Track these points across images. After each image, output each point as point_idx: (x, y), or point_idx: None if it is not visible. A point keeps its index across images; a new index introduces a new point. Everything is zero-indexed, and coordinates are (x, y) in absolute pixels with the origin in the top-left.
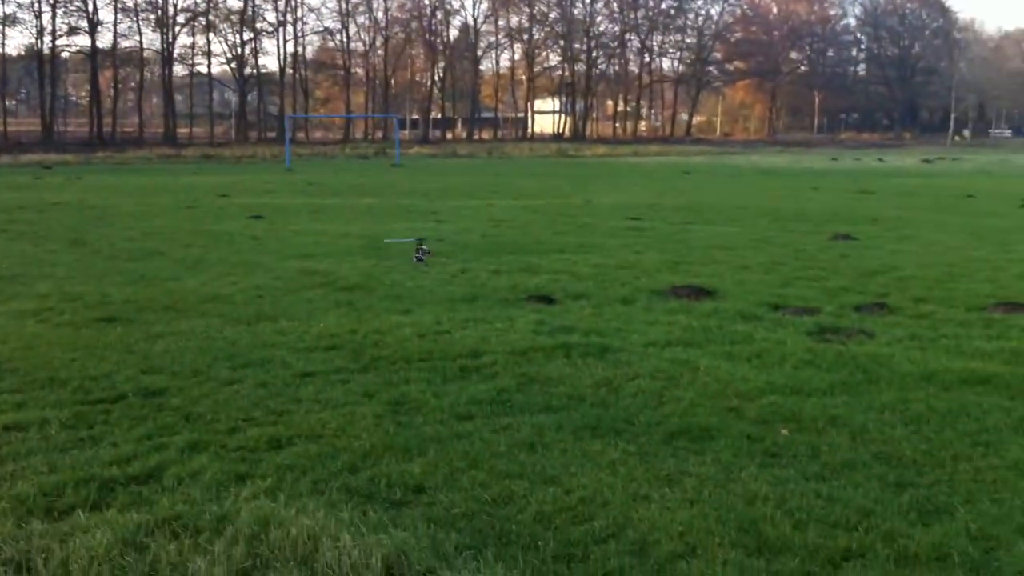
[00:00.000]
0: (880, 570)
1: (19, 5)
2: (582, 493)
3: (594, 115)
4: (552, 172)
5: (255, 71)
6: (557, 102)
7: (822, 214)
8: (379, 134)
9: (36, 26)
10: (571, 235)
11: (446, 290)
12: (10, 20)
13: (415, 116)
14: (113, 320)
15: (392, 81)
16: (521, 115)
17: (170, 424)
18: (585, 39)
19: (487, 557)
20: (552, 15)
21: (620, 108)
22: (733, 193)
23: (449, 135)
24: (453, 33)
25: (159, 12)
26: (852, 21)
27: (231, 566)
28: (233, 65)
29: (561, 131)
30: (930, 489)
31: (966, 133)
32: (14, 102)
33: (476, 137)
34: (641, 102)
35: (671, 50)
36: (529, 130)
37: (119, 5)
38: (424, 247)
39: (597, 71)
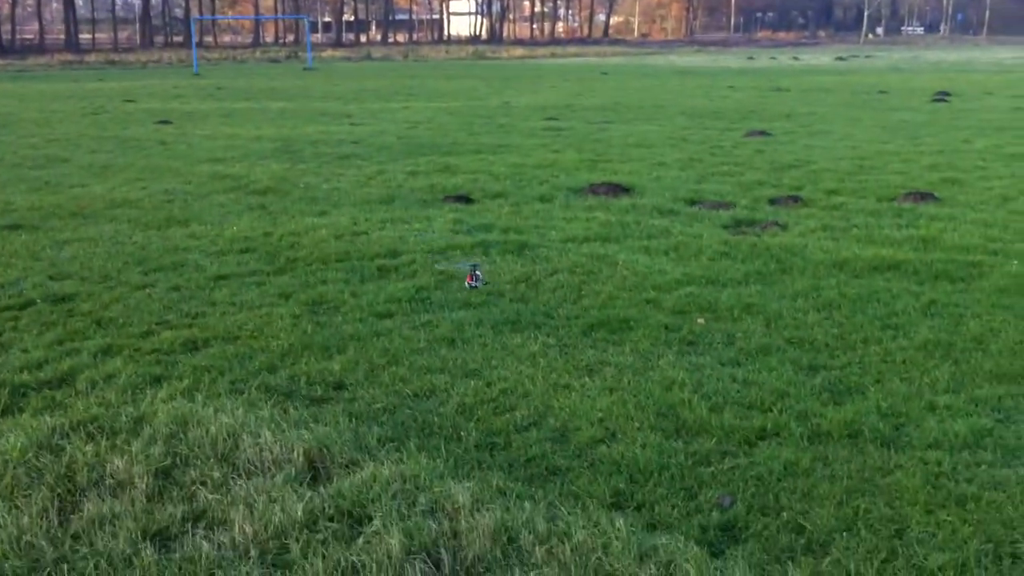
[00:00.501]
0: (794, 447)
1: None
2: (503, 385)
3: (511, 16)
4: (469, 74)
5: None
6: (473, 3)
7: (738, 111)
8: (290, 37)
9: None
10: (489, 136)
11: (362, 192)
12: None
13: (327, 19)
14: (18, 227)
15: None
16: (437, 17)
17: (81, 329)
18: None
19: (410, 448)
20: None
21: (537, 9)
22: (650, 93)
23: (363, 38)
24: None
25: None
26: None
27: (150, 465)
28: None
29: (478, 33)
30: (842, 371)
31: (879, 31)
32: None
33: (391, 40)
34: (558, 3)
35: None
36: (445, 32)
37: None
38: (478, 272)
39: None
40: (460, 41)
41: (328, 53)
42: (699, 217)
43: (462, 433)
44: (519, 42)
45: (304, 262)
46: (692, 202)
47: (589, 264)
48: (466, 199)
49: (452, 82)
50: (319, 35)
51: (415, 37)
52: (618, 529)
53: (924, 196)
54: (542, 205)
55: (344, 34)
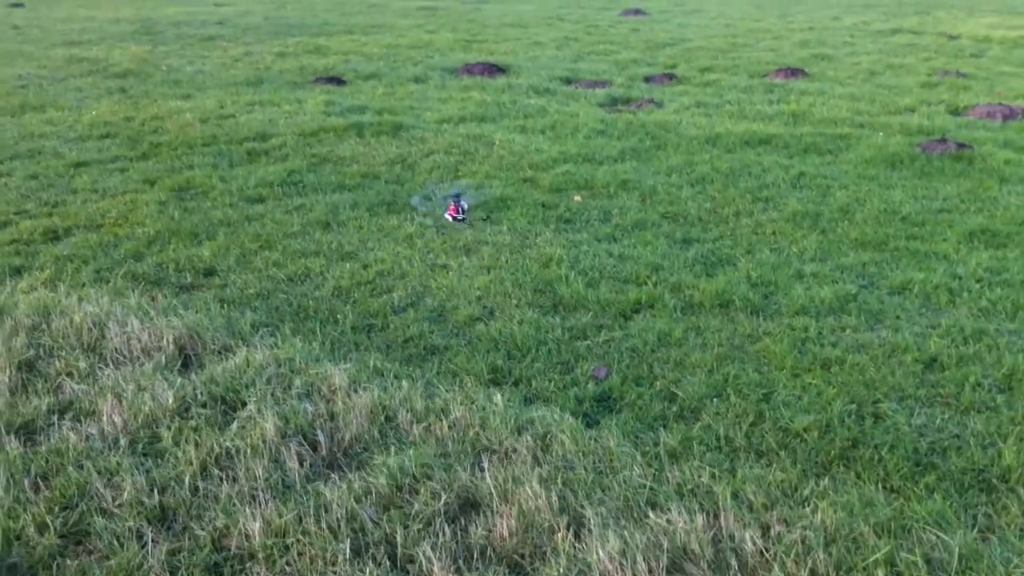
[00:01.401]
0: (668, 319)
1: None
2: (380, 267)
3: None
4: None
5: None
6: None
7: None
8: None
9: None
10: (360, 16)
11: (228, 74)
12: None
13: None
14: None
15: None
16: None
17: None
18: None
19: (284, 332)
20: None
21: None
22: None
23: None
24: None
25: None
26: None
27: (12, 357)
28: None
29: None
30: (714, 244)
31: None
32: None
33: None
34: None
35: None
36: None
37: None
38: (462, 200)
39: None
40: None
41: None
42: (575, 96)
43: (338, 316)
44: None
45: (169, 147)
46: (568, 81)
47: (465, 144)
48: (338, 80)
49: None
50: None
51: None
52: (495, 404)
53: (794, 72)
54: (417, 86)
55: None
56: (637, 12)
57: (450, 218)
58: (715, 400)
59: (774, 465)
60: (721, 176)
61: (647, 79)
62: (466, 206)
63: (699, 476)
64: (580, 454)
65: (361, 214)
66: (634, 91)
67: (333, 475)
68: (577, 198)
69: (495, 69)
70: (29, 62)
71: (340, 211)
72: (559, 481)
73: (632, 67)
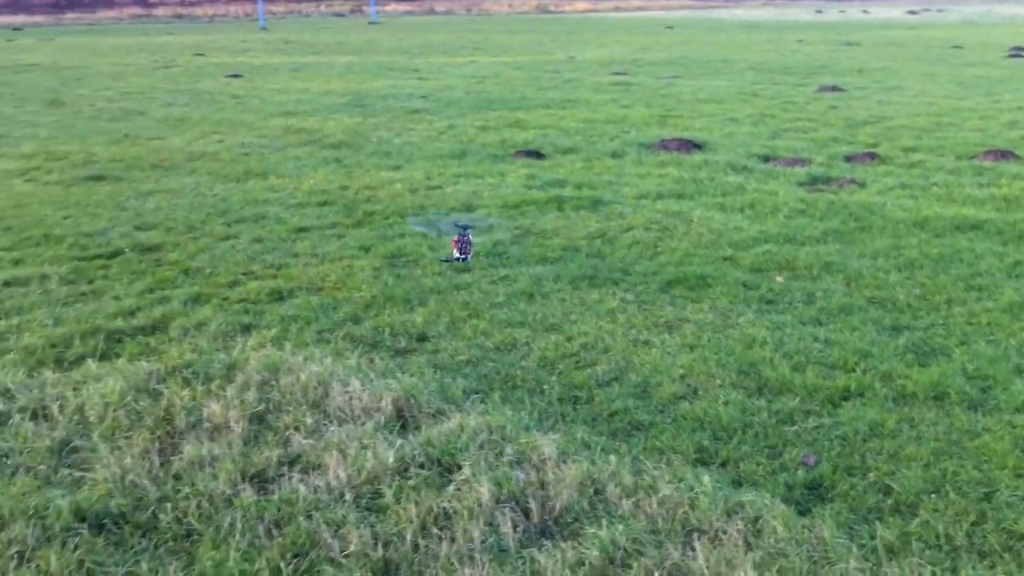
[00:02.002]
0: (879, 408)
1: None
2: (583, 340)
3: None
4: (533, 28)
5: None
6: None
7: (808, 66)
8: None
9: None
10: (556, 91)
11: (434, 147)
12: None
13: None
14: (101, 178)
15: None
16: None
17: (170, 278)
18: None
19: (494, 399)
20: None
21: None
22: (717, 47)
23: None
24: None
25: None
26: None
27: (244, 410)
28: None
29: None
30: (925, 332)
31: None
32: None
33: None
34: None
35: None
36: None
37: None
38: (467, 233)
39: None
40: None
41: (391, 7)
42: (774, 174)
43: (544, 386)
44: None
45: (381, 215)
46: (766, 158)
47: (664, 220)
48: (537, 154)
49: (516, 36)
50: None
51: None
52: (704, 484)
53: (1005, 154)
54: (614, 161)
55: None
56: (834, 88)
57: (447, 258)
58: (933, 496)
59: (998, 568)
60: (930, 262)
61: (848, 158)
62: (470, 243)
63: (919, 574)
64: (793, 542)
65: (564, 287)
66: (834, 170)
67: (546, 542)
68: (779, 279)
69: (691, 145)
70: (250, 131)
71: (543, 283)
72: (774, 570)
73: (831, 145)
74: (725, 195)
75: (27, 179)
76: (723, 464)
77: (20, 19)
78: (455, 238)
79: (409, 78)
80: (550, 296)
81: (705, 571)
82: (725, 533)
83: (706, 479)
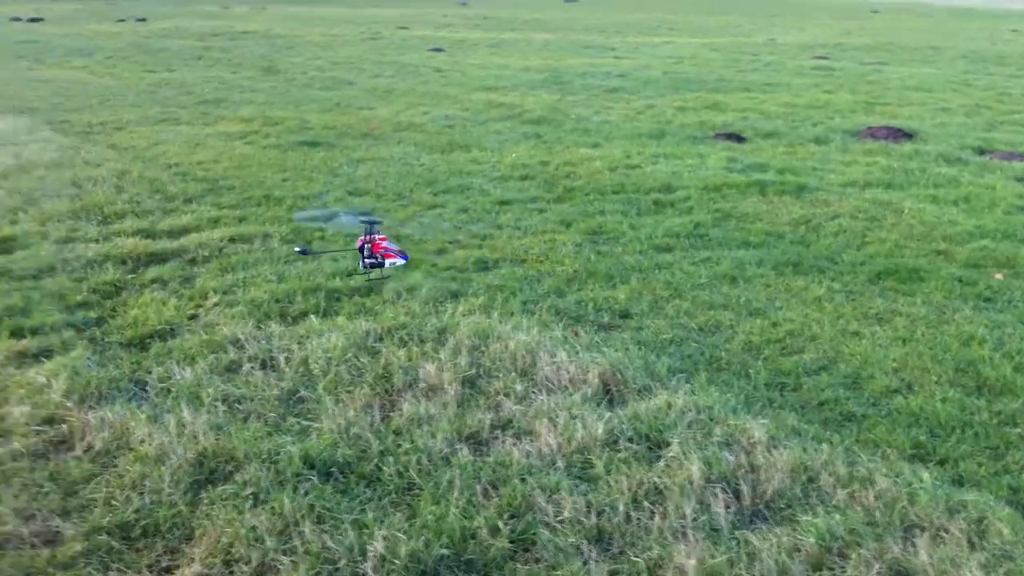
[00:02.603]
0: None
1: None
2: (789, 326)
3: None
4: (731, 9)
5: None
6: None
7: None
8: None
9: None
10: (756, 73)
11: (632, 126)
12: None
13: None
14: (315, 144)
15: None
16: None
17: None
18: None
19: (700, 380)
20: None
21: None
22: (925, 33)
23: None
24: None
25: None
26: None
27: (457, 373)
28: None
29: None
30: None
31: None
32: None
33: None
34: None
35: None
36: None
37: None
38: (375, 231)
39: None
40: None
41: None
42: (990, 167)
43: (750, 371)
44: None
45: (581, 192)
46: (981, 151)
47: (872, 210)
48: (738, 137)
49: (714, 17)
50: None
51: None
52: (923, 481)
53: None
54: (818, 147)
55: None
56: None
57: (361, 264)
58: None
59: None
60: None
61: None
62: (387, 246)
63: None
64: (1020, 545)
65: (767, 272)
66: None
67: (759, 525)
68: (998, 276)
69: (900, 134)
70: (453, 104)
71: (746, 267)
72: (1001, 572)
73: None
74: (937, 187)
75: (247, 142)
76: (941, 462)
77: None
78: (360, 239)
79: (606, 56)
80: (753, 280)
81: (928, 568)
82: (947, 531)
83: (925, 475)
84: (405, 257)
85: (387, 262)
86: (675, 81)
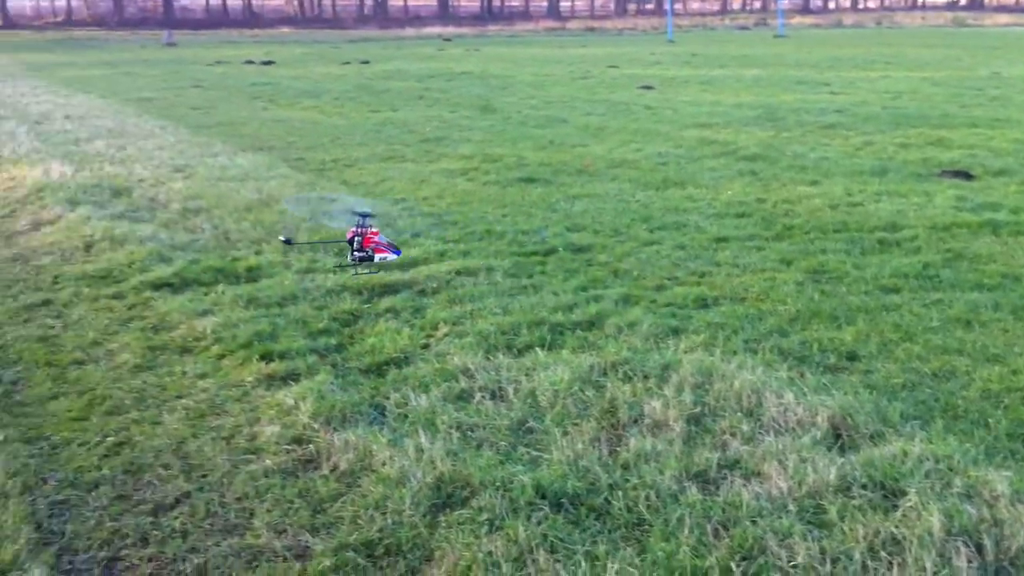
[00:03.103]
0: None
1: None
2: None
3: None
4: (949, 43)
5: None
6: None
7: None
8: (757, 3)
9: None
10: (981, 108)
11: (852, 162)
12: None
13: None
14: (533, 180)
15: None
16: None
17: (601, 278)
18: None
19: (936, 428)
20: None
21: None
22: None
23: (832, 4)
24: None
25: None
26: None
27: (682, 410)
28: None
29: None
30: None
31: None
32: None
33: (861, 6)
34: None
35: None
36: None
37: None
38: (366, 224)
39: None
40: (937, 7)
41: (797, 20)
42: None
43: (990, 420)
44: (1004, 8)
45: (801, 230)
46: None
47: None
48: (966, 174)
49: (931, 50)
50: (786, 1)
51: (887, 3)
52: None
53: None
54: None
55: (812, 1)
56: None
57: (287, 239)
58: None
59: None
60: None
61: None
62: (378, 240)
63: None
64: None
65: (1005, 316)
66: None
67: None
68: None
69: None
70: (665, 141)
71: (981, 311)
72: None
73: None
74: None
75: (468, 179)
76: None
77: (449, 30)
78: (351, 230)
79: (820, 92)
80: (989, 325)
81: None
82: None
83: None
84: (397, 252)
85: (377, 256)
86: (895, 116)
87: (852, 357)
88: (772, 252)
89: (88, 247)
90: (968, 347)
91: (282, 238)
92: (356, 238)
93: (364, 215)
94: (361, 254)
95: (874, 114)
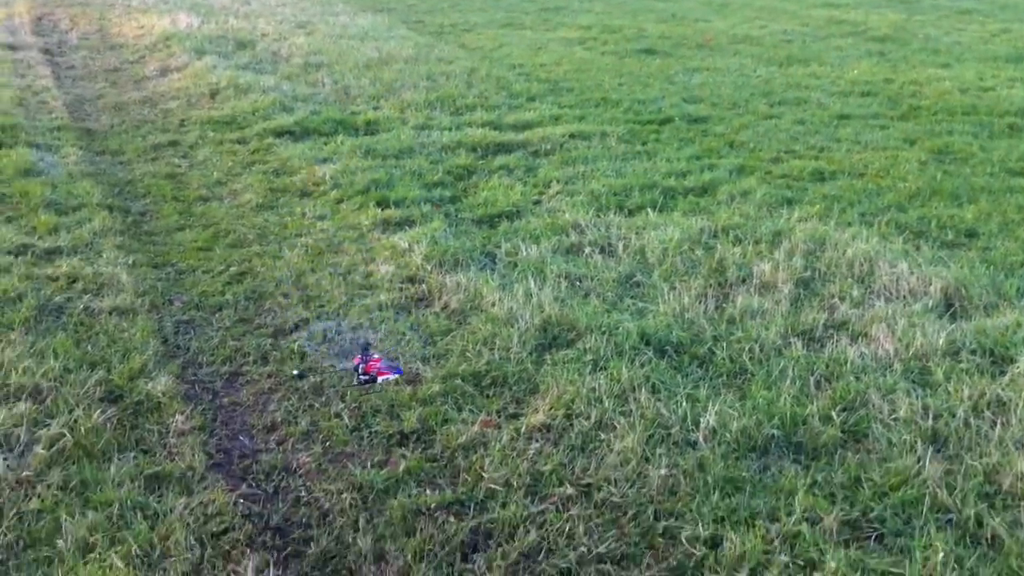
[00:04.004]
0: None
1: None
2: None
3: None
4: None
5: None
6: None
7: None
8: None
9: None
10: None
11: (986, 48)
12: None
13: None
14: (652, 52)
15: None
16: None
17: (715, 148)
18: None
19: None
20: None
21: None
22: None
23: None
24: None
25: None
26: None
27: (792, 273)
28: None
29: None
30: None
31: None
32: None
33: None
34: None
35: None
36: None
37: None
38: (370, 354)
39: None
40: None
41: None
42: None
43: None
44: None
45: (927, 111)
46: None
47: None
48: None
49: None
50: None
51: None
52: None
53: None
54: None
55: None
56: None
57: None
58: None
59: None
60: None
61: None
62: (373, 354)
63: None
64: None
65: None
66: None
67: None
68: None
69: None
70: (791, 19)
71: None
72: None
73: None
74: None
75: (586, 48)
76: None
77: None
78: (356, 357)
79: None
80: None
81: None
82: None
83: None
84: (399, 371)
85: (380, 379)
86: None
87: (971, 234)
88: (896, 131)
89: (213, 94)
90: None
91: (295, 372)
92: (360, 365)
93: (366, 347)
94: (365, 377)
95: (1012, 2)
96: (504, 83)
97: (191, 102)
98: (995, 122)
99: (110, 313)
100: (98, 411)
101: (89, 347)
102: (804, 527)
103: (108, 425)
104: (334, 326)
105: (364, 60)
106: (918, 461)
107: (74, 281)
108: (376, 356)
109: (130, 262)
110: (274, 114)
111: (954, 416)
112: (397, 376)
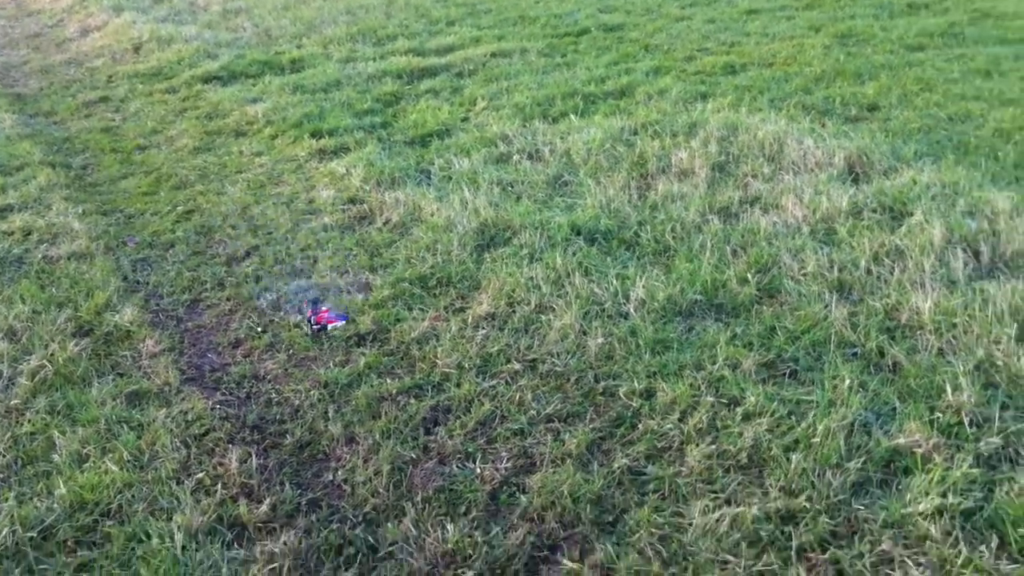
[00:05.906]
0: None
1: None
2: None
3: None
4: None
5: None
6: None
7: None
8: None
9: None
10: None
11: None
12: None
13: None
14: None
15: None
16: None
17: (632, 53)
18: None
19: (948, 161)
20: None
21: None
22: None
23: None
24: None
25: None
26: None
27: (707, 159)
28: None
29: None
30: None
31: None
32: None
33: None
34: None
35: None
36: None
37: None
38: (319, 307)
39: None
40: None
41: None
42: None
43: (999, 153)
44: None
45: None
46: None
47: None
48: None
49: None
50: None
51: None
52: None
53: None
54: None
55: None
56: None
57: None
58: None
59: None
60: None
61: None
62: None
63: None
64: None
65: (1022, 66)
66: None
67: (996, 278)
68: None
69: None
70: None
71: (1002, 62)
72: None
73: None
74: None
75: None
76: None
77: None
78: (309, 311)
79: None
80: (1008, 74)
81: None
82: None
83: None
84: (345, 318)
85: (329, 326)
86: None
87: (873, 108)
88: (802, 20)
89: (137, 48)
90: (985, 94)
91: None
92: (312, 317)
93: (315, 301)
94: (317, 327)
95: None
96: (423, 10)
97: (116, 58)
98: (895, 2)
99: (68, 258)
100: (72, 343)
101: (54, 290)
102: (726, 372)
103: (84, 355)
104: (283, 249)
105: (282, 2)
106: (826, 307)
107: (29, 233)
108: (324, 308)
109: (80, 211)
110: (199, 61)
111: (857, 266)
112: (343, 322)
